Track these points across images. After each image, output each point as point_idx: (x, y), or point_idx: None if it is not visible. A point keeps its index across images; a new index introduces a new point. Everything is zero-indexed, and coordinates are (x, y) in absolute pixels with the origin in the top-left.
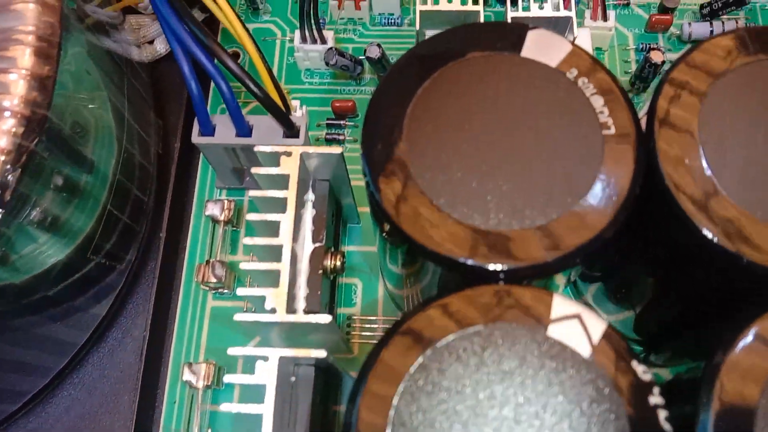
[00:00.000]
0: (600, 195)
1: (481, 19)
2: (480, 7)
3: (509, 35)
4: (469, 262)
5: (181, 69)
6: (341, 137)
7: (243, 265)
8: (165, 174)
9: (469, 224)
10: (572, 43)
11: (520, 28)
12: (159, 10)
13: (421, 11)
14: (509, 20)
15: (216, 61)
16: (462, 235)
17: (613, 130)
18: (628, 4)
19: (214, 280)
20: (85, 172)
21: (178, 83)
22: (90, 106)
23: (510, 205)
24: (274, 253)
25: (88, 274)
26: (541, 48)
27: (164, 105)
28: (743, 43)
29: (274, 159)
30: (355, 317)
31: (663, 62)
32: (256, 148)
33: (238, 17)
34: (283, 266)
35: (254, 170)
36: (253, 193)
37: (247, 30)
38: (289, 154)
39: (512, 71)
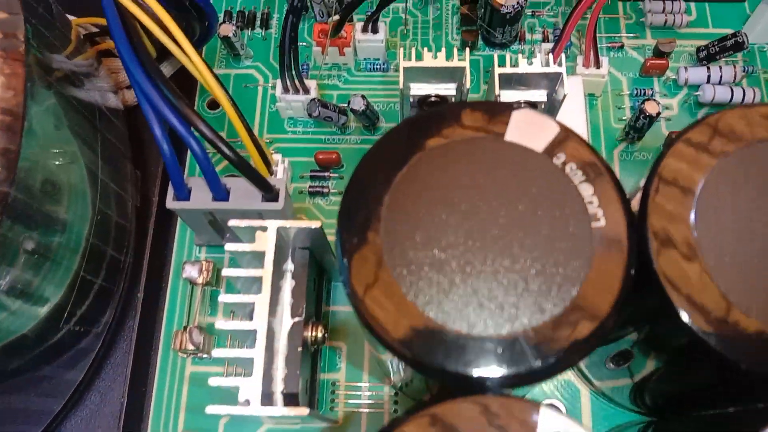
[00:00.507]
0: (590, 294)
1: (467, 75)
2: (466, 63)
3: (492, 117)
4: (446, 368)
5: (152, 131)
6: (325, 190)
7: (218, 325)
8: (143, 227)
9: (448, 327)
10: (559, 124)
11: (504, 107)
12: (128, 68)
13: (404, 68)
14: (496, 76)
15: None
16: (436, 337)
17: (603, 222)
18: (622, 47)
19: (191, 347)
20: (59, 233)
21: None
22: (61, 162)
23: (492, 306)
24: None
25: (63, 340)
26: (527, 130)
27: (144, 150)
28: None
29: (250, 233)
30: (339, 383)
31: (658, 114)
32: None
33: (210, 69)
34: (257, 353)
35: (231, 223)
36: (229, 246)
37: (221, 84)
38: (264, 229)
39: (496, 157)
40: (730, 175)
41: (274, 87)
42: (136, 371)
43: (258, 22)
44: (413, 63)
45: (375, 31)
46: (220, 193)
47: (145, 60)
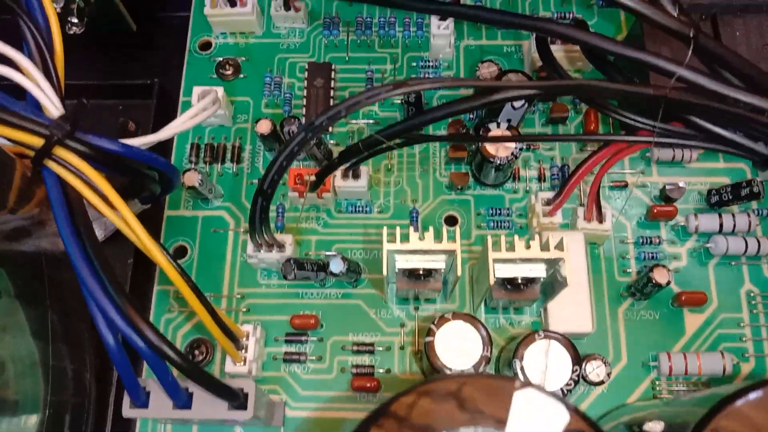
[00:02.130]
0: None
1: (459, 261)
2: (457, 245)
3: (493, 401)
4: None
5: (104, 341)
6: (302, 357)
7: None
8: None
9: None
10: (570, 408)
11: (506, 385)
12: (80, 275)
13: (389, 250)
14: (491, 261)
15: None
16: None
17: None
18: (625, 186)
19: None
20: (8, 416)
21: (121, 266)
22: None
23: None
24: None
25: None
26: (531, 418)
27: None
28: None
29: None
30: None
31: (668, 282)
32: None
33: (160, 249)
34: None
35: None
36: None
37: (172, 261)
38: None
39: None
40: None
41: (246, 231)
42: None
43: (229, 156)
44: (398, 246)
45: (356, 176)
46: (181, 401)
47: (94, 257)
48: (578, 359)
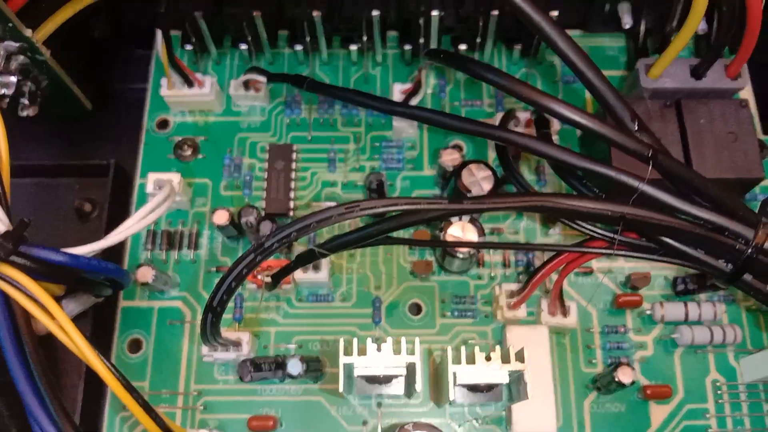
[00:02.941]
0: None
1: (418, 376)
2: (416, 357)
3: None
4: None
5: None
6: None
7: None
8: None
9: None
10: None
11: None
12: (21, 392)
13: (344, 364)
14: (450, 377)
15: None
16: None
17: None
18: (591, 272)
19: None
20: None
21: (76, 360)
22: None
23: None
24: None
25: None
26: None
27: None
28: None
29: None
30: None
31: (633, 383)
32: None
33: (95, 353)
34: None
35: None
36: None
37: (109, 367)
38: None
39: None
40: None
41: None
42: None
43: (186, 242)
44: (354, 359)
45: (317, 268)
46: None
47: (35, 371)
48: None
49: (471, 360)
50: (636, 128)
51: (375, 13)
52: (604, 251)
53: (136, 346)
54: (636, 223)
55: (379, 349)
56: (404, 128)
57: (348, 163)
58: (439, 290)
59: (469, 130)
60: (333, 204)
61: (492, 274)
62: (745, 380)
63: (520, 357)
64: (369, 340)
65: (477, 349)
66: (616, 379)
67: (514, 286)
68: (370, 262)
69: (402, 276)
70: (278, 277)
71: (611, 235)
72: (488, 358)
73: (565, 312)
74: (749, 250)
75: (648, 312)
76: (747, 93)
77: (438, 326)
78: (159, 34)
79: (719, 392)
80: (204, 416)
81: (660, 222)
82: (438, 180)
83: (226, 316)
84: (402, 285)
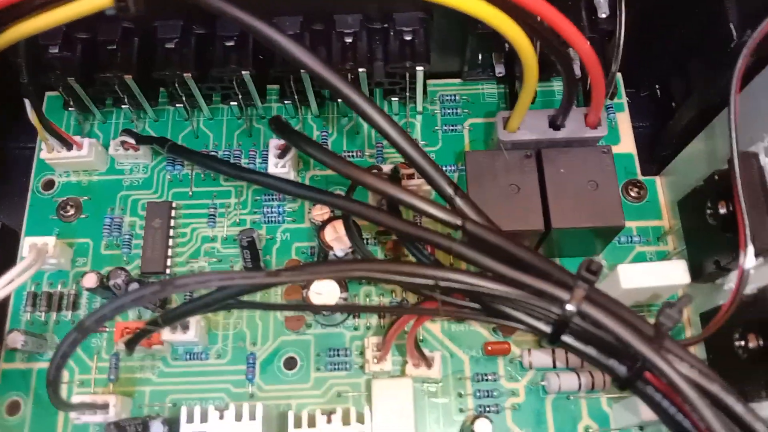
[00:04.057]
0: None
1: None
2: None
3: None
4: None
5: None
6: None
7: None
8: None
9: None
10: None
11: None
12: None
13: None
14: None
15: None
16: None
17: None
18: (463, 320)
19: None
20: None
21: None
22: None
23: None
24: None
25: None
26: None
27: None
28: None
29: None
30: None
31: None
32: None
33: None
34: None
35: None
36: None
37: None
38: None
39: None
40: None
41: (82, 383)
42: None
43: (66, 303)
44: (197, 426)
45: (185, 328)
46: None
47: None
48: None
49: (312, 423)
50: (454, 194)
51: (245, 72)
52: (431, 312)
53: (14, 407)
54: (452, 289)
55: (221, 417)
56: None
57: (228, 217)
58: (315, 343)
59: (314, 198)
60: (151, 282)
61: (368, 325)
62: (617, 426)
63: (360, 419)
64: (211, 407)
65: (318, 411)
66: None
67: (380, 339)
68: (247, 317)
69: (278, 330)
70: (131, 344)
71: (438, 296)
72: (329, 421)
73: (428, 364)
74: (565, 312)
75: (518, 359)
76: (626, 133)
77: (312, 380)
78: (27, 103)
79: None
80: None
81: (473, 287)
82: (315, 233)
83: (101, 376)
84: (278, 339)
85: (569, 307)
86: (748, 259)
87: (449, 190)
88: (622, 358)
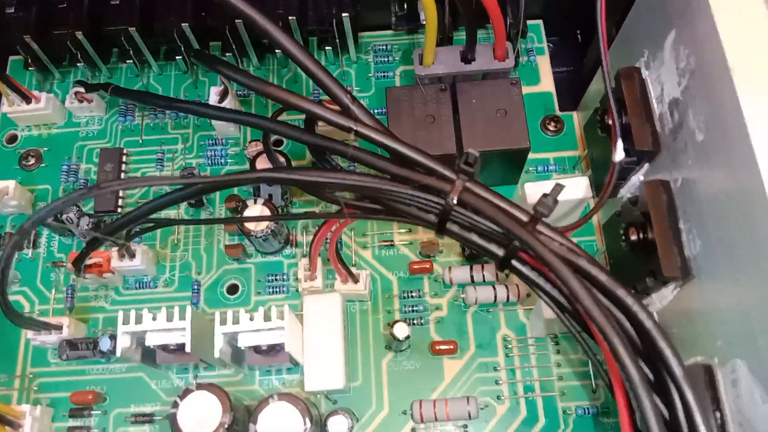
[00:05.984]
0: None
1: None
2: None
3: None
4: None
5: None
6: None
7: None
8: None
9: None
10: None
11: None
12: None
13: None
14: (217, 339)
15: None
16: None
17: None
18: (392, 245)
19: None
20: None
21: None
22: None
23: None
24: None
25: None
26: None
27: None
28: None
29: None
30: None
31: (407, 336)
32: None
33: None
34: None
35: None
36: None
37: None
38: None
39: None
40: None
41: (41, 313)
42: None
43: (27, 242)
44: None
45: (132, 256)
46: None
47: None
48: (311, 417)
49: (236, 320)
50: (351, 103)
51: (184, 24)
52: (336, 215)
53: None
54: (352, 189)
55: (154, 318)
56: (225, 126)
57: (175, 161)
58: (255, 271)
59: (226, 118)
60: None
61: (304, 253)
62: (532, 335)
63: (280, 315)
64: (145, 310)
65: (242, 311)
66: (392, 334)
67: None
68: (192, 250)
69: (222, 260)
70: (77, 263)
71: (341, 200)
72: (252, 319)
73: (354, 279)
74: (447, 203)
75: (441, 277)
76: (546, 72)
77: (252, 303)
78: None
79: (509, 347)
80: (38, 395)
81: (368, 184)
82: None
83: (58, 305)
84: (221, 268)
85: (451, 198)
86: (617, 153)
87: (346, 100)
88: (501, 243)
